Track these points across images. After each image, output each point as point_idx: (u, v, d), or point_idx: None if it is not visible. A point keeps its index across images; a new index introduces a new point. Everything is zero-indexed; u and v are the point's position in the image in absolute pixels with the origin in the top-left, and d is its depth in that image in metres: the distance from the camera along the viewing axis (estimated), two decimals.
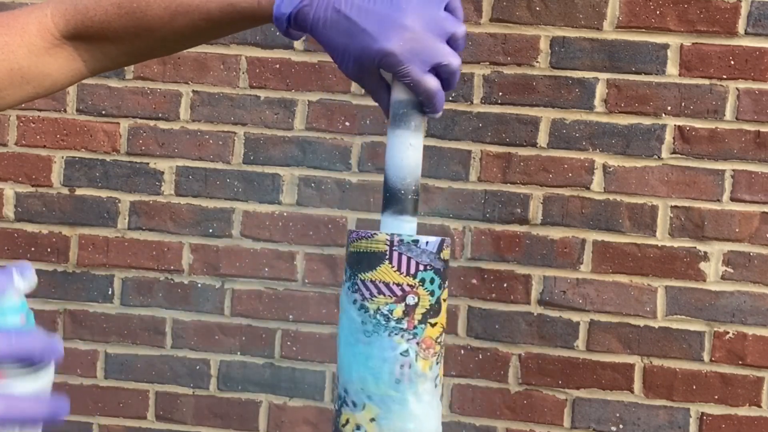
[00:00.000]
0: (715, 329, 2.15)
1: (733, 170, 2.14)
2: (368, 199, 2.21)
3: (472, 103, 2.19)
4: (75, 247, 2.28)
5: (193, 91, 2.25)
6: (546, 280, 2.18)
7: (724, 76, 2.12)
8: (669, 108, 2.14)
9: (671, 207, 2.15)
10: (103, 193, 2.28)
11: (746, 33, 2.12)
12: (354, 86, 2.21)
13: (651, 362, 2.17)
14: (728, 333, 2.15)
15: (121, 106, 2.27)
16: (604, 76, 2.16)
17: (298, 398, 2.25)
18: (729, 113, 2.13)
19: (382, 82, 0.87)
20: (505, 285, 2.19)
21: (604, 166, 2.16)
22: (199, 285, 2.26)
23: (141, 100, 2.27)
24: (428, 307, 0.82)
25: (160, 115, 2.26)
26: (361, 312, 0.83)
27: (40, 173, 2.29)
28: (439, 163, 2.18)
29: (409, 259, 0.82)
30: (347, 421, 0.84)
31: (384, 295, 0.83)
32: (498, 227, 2.19)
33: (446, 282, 0.85)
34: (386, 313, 0.82)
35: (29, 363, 0.65)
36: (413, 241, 0.83)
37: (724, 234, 2.14)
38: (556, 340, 2.19)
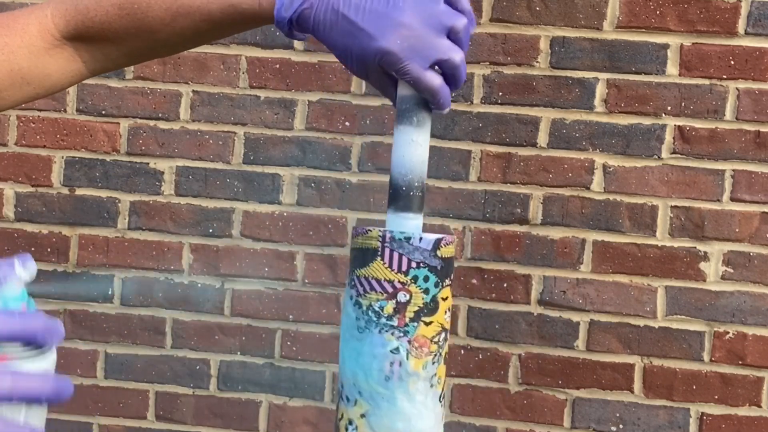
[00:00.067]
0: (715, 329, 2.15)
1: (733, 170, 2.14)
2: (368, 199, 2.21)
3: (472, 103, 2.19)
4: (75, 247, 2.28)
5: (193, 91, 2.25)
6: (546, 280, 2.18)
7: (724, 76, 2.12)
8: (669, 108, 2.14)
9: (671, 207, 2.15)
10: (103, 193, 2.28)
11: (746, 33, 2.12)
12: (354, 86, 2.21)
13: (651, 362, 2.17)
14: (728, 333, 2.15)
15: (121, 106, 2.27)
16: (604, 76, 2.16)
17: (298, 398, 2.25)
18: (729, 113, 2.13)
19: (389, 79, 0.86)
20: (505, 285, 2.19)
21: (604, 166, 2.16)
22: (199, 285, 2.26)
23: (141, 100, 2.27)
24: (421, 306, 0.82)
25: (160, 115, 2.26)
26: (355, 308, 0.83)
27: (40, 173, 2.29)
28: (439, 163, 2.18)
29: (400, 256, 0.82)
30: (342, 416, 0.84)
31: (375, 291, 0.82)
32: (498, 227, 2.19)
33: (446, 280, 0.83)
34: (377, 309, 0.82)
35: (33, 345, 0.66)
36: (405, 238, 0.82)
37: (724, 234, 2.14)
38: (556, 340, 2.19)
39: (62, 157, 2.29)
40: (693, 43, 2.13)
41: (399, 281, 0.82)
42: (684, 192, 2.15)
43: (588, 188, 2.17)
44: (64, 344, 2.29)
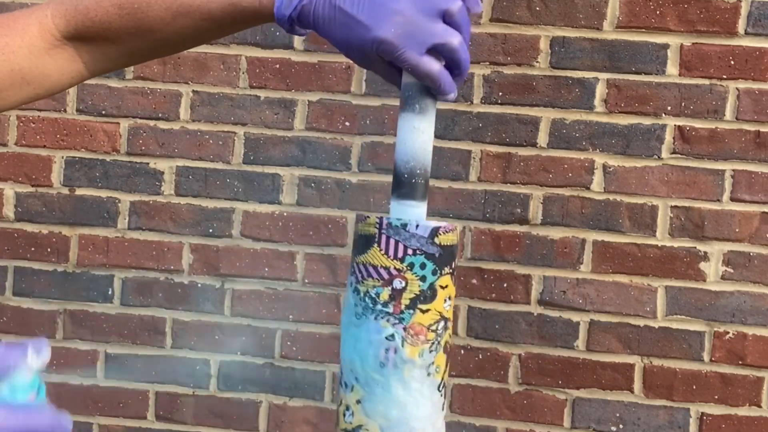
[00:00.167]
0: (715, 329, 2.15)
1: (733, 170, 2.14)
2: (368, 199, 2.21)
3: (472, 103, 2.18)
4: (75, 247, 2.28)
5: (193, 91, 2.25)
6: (546, 280, 2.18)
7: (724, 76, 2.12)
8: (669, 108, 2.14)
9: (671, 207, 2.15)
10: (103, 193, 2.28)
11: (746, 33, 2.12)
12: (354, 86, 2.21)
13: (651, 362, 2.17)
14: (728, 333, 2.15)
15: (121, 106, 2.27)
16: (604, 76, 2.16)
17: (298, 398, 2.25)
18: (729, 113, 2.13)
19: (393, 68, 0.86)
20: (505, 285, 2.19)
21: (604, 166, 2.16)
22: (199, 285, 2.26)
23: (141, 100, 2.27)
24: (418, 293, 0.81)
25: (160, 115, 2.26)
26: (354, 294, 0.83)
27: (40, 173, 2.29)
28: (439, 163, 2.18)
29: (396, 242, 0.81)
30: (341, 402, 0.84)
31: (372, 278, 0.82)
32: (498, 227, 2.19)
33: (446, 269, 0.83)
34: (374, 296, 0.82)
35: None
36: (402, 224, 0.81)
37: (724, 234, 2.14)
38: (556, 340, 2.19)
39: (62, 157, 2.28)
40: (693, 43, 2.13)
41: (395, 268, 0.81)
42: (684, 192, 2.15)
43: (588, 188, 2.17)
44: (64, 344, 2.29)
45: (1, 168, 2.30)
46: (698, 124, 2.14)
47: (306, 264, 2.23)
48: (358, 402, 0.83)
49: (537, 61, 2.17)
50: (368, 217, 0.83)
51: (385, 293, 0.81)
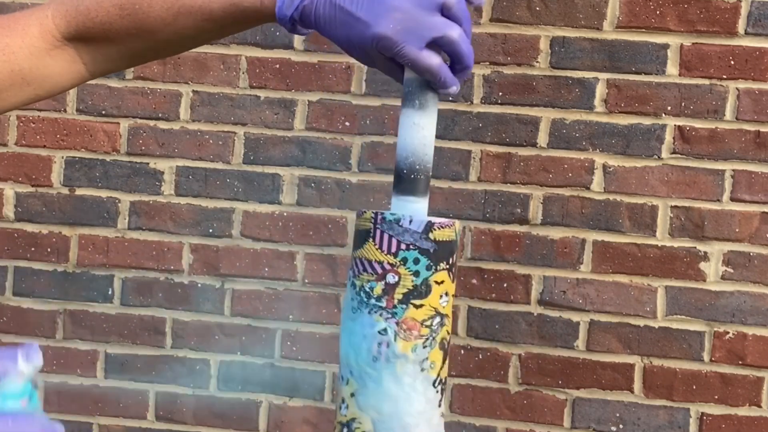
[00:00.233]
0: (715, 329, 2.15)
1: (733, 170, 2.14)
2: (368, 199, 2.21)
3: (472, 103, 2.18)
4: (75, 247, 2.28)
5: (193, 91, 2.25)
6: (546, 280, 2.18)
7: (724, 76, 2.12)
8: (669, 108, 2.14)
9: (671, 207, 2.15)
10: (103, 193, 2.28)
11: (746, 33, 2.12)
12: (354, 86, 2.21)
13: (651, 362, 2.17)
14: (728, 333, 2.15)
15: (121, 106, 2.27)
16: (604, 76, 2.16)
17: (298, 398, 2.25)
18: (729, 113, 2.13)
19: (395, 64, 0.86)
20: (505, 285, 2.19)
21: (604, 166, 2.16)
22: (199, 285, 2.26)
23: (141, 100, 2.27)
24: (411, 288, 0.81)
25: (160, 115, 2.26)
26: (351, 288, 0.84)
27: (40, 173, 2.29)
28: (439, 163, 2.18)
29: (390, 237, 0.81)
30: (337, 394, 0.85)
31: (367, 272, 0.82)
32: (498, 227, 2.19)
33: (442, 264, 0.82)
34: (368, 290, 0.82)
35: None
36: (395, 219, 0.81)
37: (724, 234, 2.14)
38: (556, 340, 2.19)
39: (62, 157, 2.28)
40: (693, 43, 2.13)
41: (388, 262, 0.82)
42: (684, 192, 2.15)
43: (588, 188, 2.17)
44: (64, 344, 2.29)
45: (1, 168, 2.30)
46: (698, 124, 2.14)
47: (306, 264, 2.23)
48: (352, 395, 0.83)
49: (537, 61, 2.17)
50: (365, 212, 0.83)
51: (379, 288, 0.82)
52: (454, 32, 0.83)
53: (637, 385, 2.17)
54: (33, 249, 2.29)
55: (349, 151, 2.22)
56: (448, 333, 0.84)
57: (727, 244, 2.14)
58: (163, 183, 2.26)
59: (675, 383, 2.16)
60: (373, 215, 0.82)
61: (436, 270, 0.82)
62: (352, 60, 2.18)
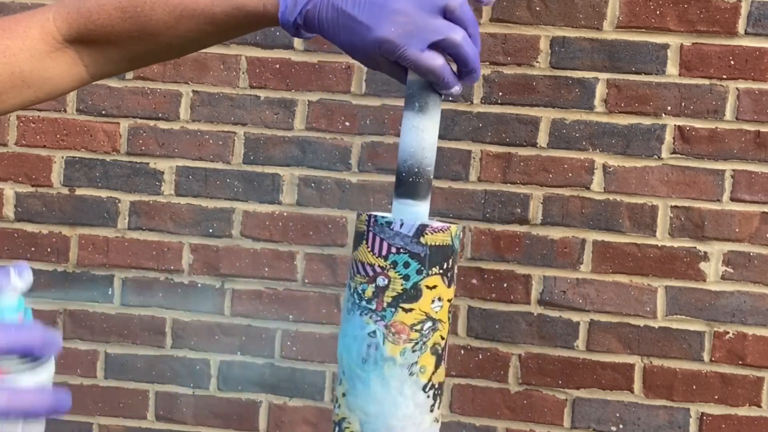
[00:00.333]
0: (715, 329, 2.15)
1: (733, 170, 2.14)
2: (368, 199, 2.21)
3: (472, 103, 2.18)
4: (75, 247, 2.28)
5: (193, 91, 2.25)
6: (546, 280, 2.18)
7: (724, 76, 2.12)
8: (669, 108, 2.14)
9: (671, 207, 2.15)
10: (103, 193, 2.28)
11: (746, 33, 2.12)
12: (354, 86, 2.21)
13: (651, 362, 2.17)
14: (728, 333, 2.15)
15: (121, 106, 2.27)
16: (604, 76, 2.16)
17: (298, 398, 2.25)
18: (729, 113, 2.13)
19: (399, 67, 0.86)
20: (505, 285, 2.19)
21: (604, 166, 2.16)
22: (199, 285, 2.26)
23: (141, 100, 2.26)
24: (400, 291, 0.81)
25: (160, 115, 2.26)
26: (347, 290, 0.84)
27: (40, 173, 2.29)
28: (439, 163, 2.18)
29: (381, 240, 0.81)
30: (334, 393, 0.86)
31: (360, 274, 0.82)
32: (498, 227, 2.19)
33: (434, 269, 0.82)
34: (360, 292, 0.82)
35: (30, 358, 0.65)
36: (386, 222, 0.81)
37: (724, 234, 2.14)
38: (556, 340, 2.19)
39: (62, 157, 2.28)
40: (693, 43, 2.13)
41: (379, 265, 0.81)
42: (684, 192, 2.15)
43: (588, 188, 2.17)
44: (64, 344, 2.28)
45: (1, 168, 2.30)
46: (698, 124, 2.14)
47: (306, 264, 2.23)
48: (344, 395, 0.84)
49: (537, 61, 2.17)
50: (362, 214, 0.83)
51: (370, 290, 0.82)
52: (457, 35, 0.83)
53: (637, 385, 2.17)
54: (33, 249, 2.29)
55: (349, 151, 2.22)
56: (443, 338, 0.84)
57: (727, 244, 2.14)
58: (163, 183, 2.26)
59: (675, 383, 2.16)
60: (367, 218, 0.82)
61: (427, 274, 0.82)
62: (352, 60, 2.18)
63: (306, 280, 2.23)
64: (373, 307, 0.81)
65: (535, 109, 2.17)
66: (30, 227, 2.29)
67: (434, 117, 0.85)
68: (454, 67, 0.86)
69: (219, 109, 2.25)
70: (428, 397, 0.83)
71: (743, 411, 2.15)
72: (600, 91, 2.16)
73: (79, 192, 2.28)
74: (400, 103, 2.07)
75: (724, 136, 2.13)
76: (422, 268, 0.81)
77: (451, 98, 2.13)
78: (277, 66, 2.23)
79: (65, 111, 2.28)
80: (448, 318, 0.85)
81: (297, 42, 2.22)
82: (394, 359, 0.81)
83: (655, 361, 2.17)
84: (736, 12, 2.12)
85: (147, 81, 2.26)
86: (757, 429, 2.15)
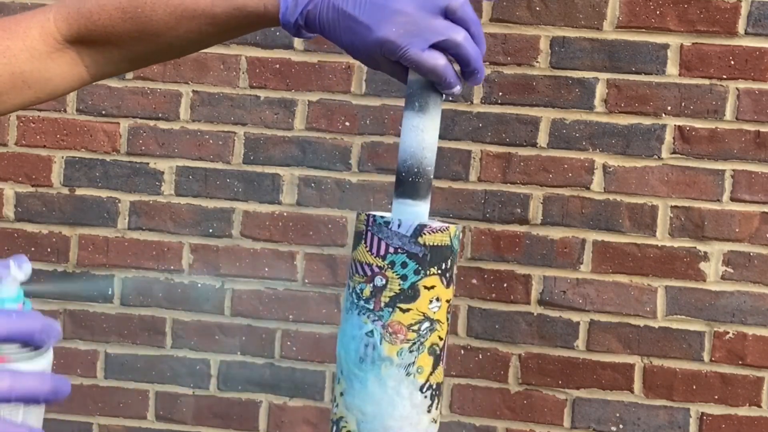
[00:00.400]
0: (715, 329, 2.15)
1: (733, 170, 2.14)
2: (368, 199, 2.21)
3: (472, 103, 2.18)
4: (75, 247, 2.28)
5: (193, 91, 2.25)
6: (546, 280, 2.18)
7: (724, 76, 2.13)
8: (669, 108, 2.14)
9: (671, 207, 2.15)
10: (103, 193, 2.28)
11: (746, 33, 2.12)
12: (354, 86, 2.21)
13: (651, 362, 2.17)
14: (728, 333, 2.15)
15: (121, 106, 2.27)
16: (604, 76, 2.16)
17: (298, 398, 2.25)
18: (729, 113, 2.13)
19: (400, 67, 0.86)
20: (505, 285, 2.19)
21: (604, 166, 2.16)
22: (199, 285, 2.26)
23: (141, 100, 2.26)
24: (398, 291, 0.81)
25: (160, 115, 2.26)
26: (346, 289, 0.84)
27: (40, 173, 2.29)
28: (439, 163, 2.17)
29: (379, 240, 0.81)
30: (333, 392, 0.86)
31: (358, 274, 0.83)
32: (498, 227, 2.19)
33: (432, 269, 0.82)
34: (358, 292, 0.82)
35: (30, 345, 0.65)
36: (384, 222, 0.81)
37: (724, 234, 2.14)
38: (556, 340, 2.19)
39: (62, 157, 2.28)
40: (693, 43, 2.13)
41: (377, 265, 0.81)
42: (684, 192, 2.15)
43: (588, 188, 2.17)
44: (64, 344, 2.29)
45: (1, 168, 2.30)
46: (698, 124, 2.14)
47: (306, 264, 2.23)
48: (341, 394, 0.84)
49: (537, 61, 2.17)
50: (361, 213, 0.83)
51: (368, 290, 0.82)
52: (458, 36, 0.83)
53: (637, 385, 2.17)
54: (33, 249, 2.29)
55: (349, 151, 2.22)
56: (441, 339, 0.83)
57: (727, 244, 2.14)
58: (163, 183, 2.26)
59: (675, 383, 2.16)
60: (365, 217, 0.82)
61: (425, 275, 0.82)
62: (352, 60, 2.18)
63: (306, 280, 2.23)
64: (371, 306, 0.81)
65: (535, 109, 2.17)
66: (30, 227, 2.29)
67: (434, 117, 0.85)
68: (457, 68, 0.86)
69: (219, 109, 2.25)
70: (426, 397, 0.83)
71: (743, 411, 2.15)
72: (600, 91, 2.16)
73: (79, 192, 2.28)
74: (400, 103, 2.07)
75: (724, 136, 2.13)
76: (420, 269, 0.81)
77: (451, 98, 2.13)
78: (277, 66, 2.23)
79: (65, 111, 2.28)
80: (447, 319, 0.84)
81: (297, 42, 2.22)
82: (391, 359, 0.81)
83: (655, 361, 2.17)
84: (736, 12, 2.12)
85: (147, 81, 2.26)
86: (757, 429, 2.15)
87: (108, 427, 2.29)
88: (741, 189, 2.13)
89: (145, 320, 2.28)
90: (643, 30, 2.14)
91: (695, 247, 2.15)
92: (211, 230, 2.25)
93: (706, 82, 2.13)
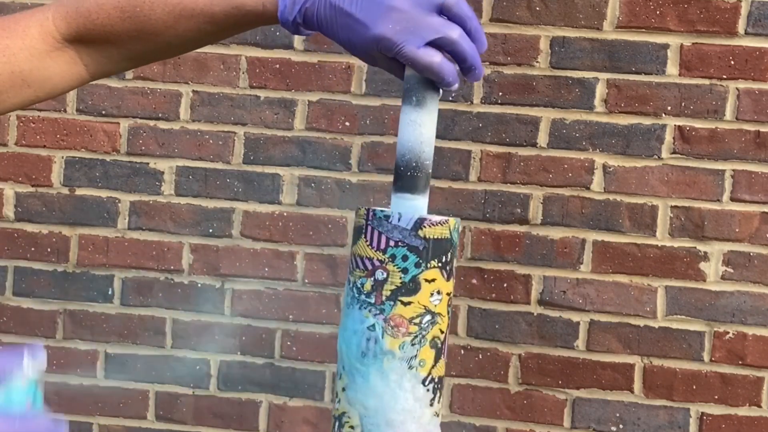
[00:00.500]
0: (715, 329, 2.15)
1: (733, 170, 2.14)
2: (368, 199, 2.21)
3: (472, 103, 2.19)
4: (75, 247, 2.28)
5: (193, 91, 2.25)
6: (546, 280, 2.18)
7: (724, 76, 2.13)
8: (669, 108, 2.14)
9: (671, 207, 2.15)
10: (103, 193, 2.28)
11: (746, 33, 2.12)
12: (354, 86, 2.21)
13: (651, 362, 2.17)
14: (728, 333, 2.15)
15: (121, 106, 2.27)
16: (604, 76, 2.16)
17: (298, 398, 2.25)
18: (729, 113, 2.13)
19: (397, 63, 0.86)
20: (505, 285, 2.19)
21: (604, 166, 2.16)
22: (199, 285, 2.26)
23: (141, 100, 2.27)
24: (399, 285, 0.81)
25: (160, 115, 2.26)
26: (347, 284, 0.85)
27: (40, 173, 2.29)
28: (439, 163, 2.18)
29: (380, 234, 0.82)
30: (334, 388, 0.86)
31: (359, 268, 0.83)
32: (498, 227, 2.19)
33: (432, 262, 0.82)
34: (359, 286, 0.83)
35: None
36: (385, 216, 0.82)
37: (724, 234, 2.14)
38: (556, 340, 2.19)
39: (62, 157, 2.28)
40: (693, 43, 2.13)
41: (377, 259, 0.82)
42: (684, 192, 2.15)
43: (588, 188, 2.17)
44: (64, 344, 2.29)
45: (1, 168, 2.30)
46: (698, 124, 2.14)
47: (306, 264, 2.23)
48: (343, 389, 0.84)
49: (537, 61, 2.17)
50: (360, 208, 0.84)
51: (368, 284, 0.82)
52: (453, 33, 0.83)
53: (637, 385, 2.17)
54: (33, 249, 2.29)
55: (349, 151, 2.22)
56: (442, 332, 0.84)
57: (727, 244, 2.14)
58: (163, 183, 2.26)
59: (675, 383, 2.16)
60: (365, 212, 0.83)
61: (426, 267, 0.82)
62: (352, 60, 2.18)
63: (306, 280, 2.23)
64: (372, 300, 0.82)
65: (535, 109, 2.17)
66: (30, 227, 2.29)
67: (432, 111, 0.86)
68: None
69: (219, 109, 2.25)
70: (428, 390, 0.83)
71: (743, 411, 2.15)
72: (600, 91, 2.16)
73: (79, 192, 2.28)
74: (400, 102, 2.07)
75: (724, 136, 2.13)
76: (421, 261, 0.82)
77: (451, 97, 2.14)
78: (277, 66, 2.23)
79: (65, 111, 2.28)
80: (448, 311, 0.85)
81: (297, 42, 2.22)
82: (393, 353, 0.81)
83: (655, 361, 2.17)
84: (736, 12, 2.12)
85: (147, 81, 2.26)
86: (757, 429, 2.15)
87: (108, 427, 2.29)
88: (741, 189, 2.13)
89: (145, 320, 2.28)
90: (643, 30, 2.14)
91: (695, 247, 2.15)
92: (211, 230, 2.25)
93: (706, 82, 2.13)
